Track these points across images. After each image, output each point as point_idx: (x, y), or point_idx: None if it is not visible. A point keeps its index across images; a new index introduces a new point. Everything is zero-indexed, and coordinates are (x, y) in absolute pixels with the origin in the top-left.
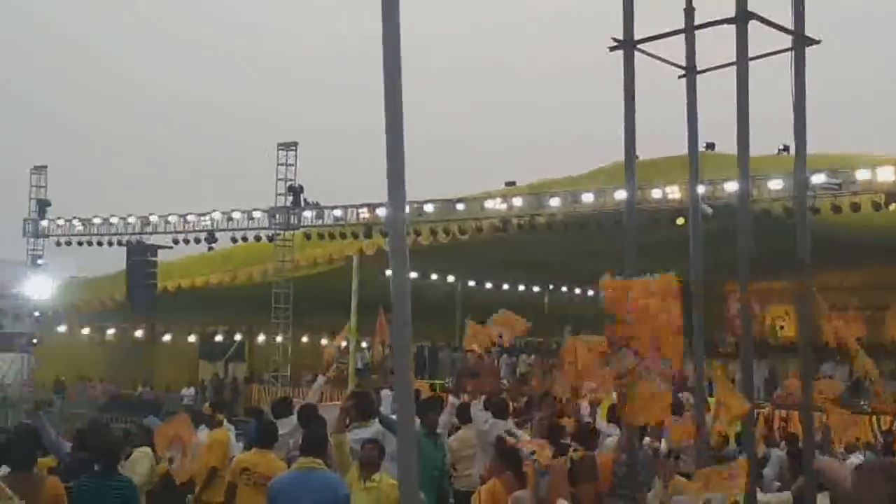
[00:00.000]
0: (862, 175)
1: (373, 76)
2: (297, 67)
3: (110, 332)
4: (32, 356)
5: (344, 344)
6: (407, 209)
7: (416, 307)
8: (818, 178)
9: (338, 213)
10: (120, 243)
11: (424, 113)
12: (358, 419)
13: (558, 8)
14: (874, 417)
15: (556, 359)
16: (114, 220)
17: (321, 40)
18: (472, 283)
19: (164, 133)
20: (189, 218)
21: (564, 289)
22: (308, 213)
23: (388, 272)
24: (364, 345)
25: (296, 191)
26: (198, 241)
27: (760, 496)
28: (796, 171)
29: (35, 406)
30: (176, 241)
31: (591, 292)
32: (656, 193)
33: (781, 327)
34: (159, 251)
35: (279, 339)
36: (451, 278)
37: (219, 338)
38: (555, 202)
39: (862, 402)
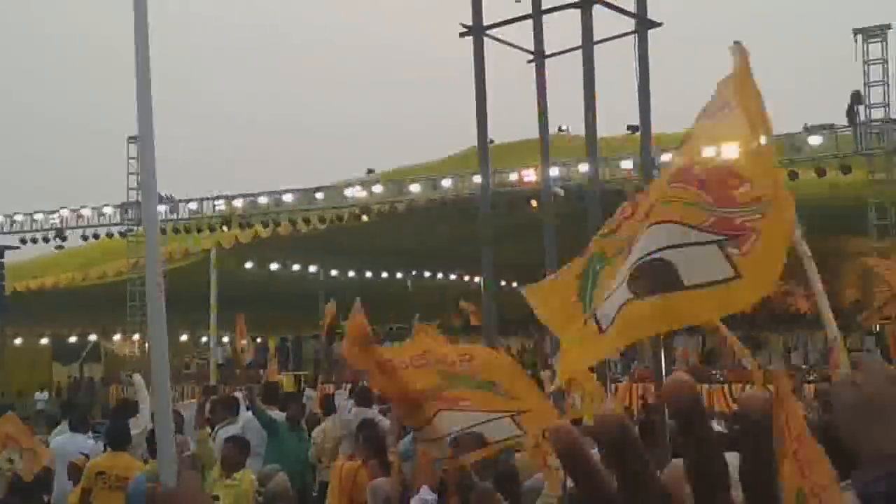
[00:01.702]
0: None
1: (241, 65)
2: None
3: None
4: None
5: (204, 339)
6: (266, 199)
7: (279, 298)
8: (666, 157)
9: (193, 206)
10: None
11: (282, 102)
12: (224, 416)
13: None
14: (727, 386)
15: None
16: None
17: (174, 23)
18: (334, 273)
19: (6, 127)
20: (36, 216)
21: (428, 274)
22: (162, 207)
23: (249, 265)
24: (225, 339)
25: None
26: (46, 240)
27: None
28: (642, 150)
29: None
30: (24, 241)
31: (452, 277)
32: (513, 177)
33: None
34: (6, 252)
35: (135, 337)
36: (312, 268)
37: (73, 339)
38: (415, 188)
39: (714, 372)
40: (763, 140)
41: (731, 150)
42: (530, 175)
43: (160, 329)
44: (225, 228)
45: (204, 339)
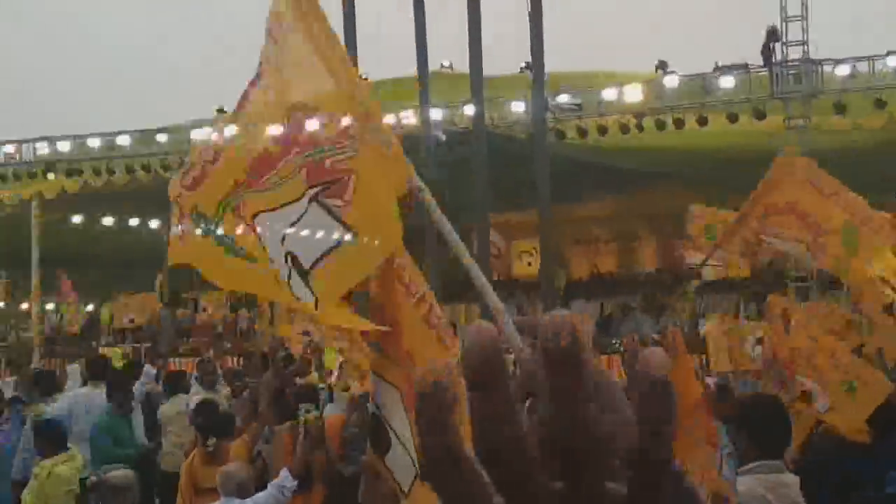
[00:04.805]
0: (608, 95)
1: None
2: None
3: None
4: None
5: (25, 306)
6: (97, 142)
7: (114, 258)
8: (561, 99)
9: (9, 149)
10: None
11: (115, 29)
12: (41, 394)
13: None
14: (625, 355)
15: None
16: None
17: None
18: None
19: None
20: None
21: None
22: None
23: (77, 219)
24: (50, 307)
25: None
26: None
27: None
28: (534, 91)
29: None
30: None
31: None
32: (389, 119)
33: (529, 263)
34: None
35: None
36: (154, 224)
37: None
38: None
39: (613, 341)
40: (344, 76)
41: (308, 84)
42: (409, 117)
43: None
44: (49, 175)
45: (24, 305)
